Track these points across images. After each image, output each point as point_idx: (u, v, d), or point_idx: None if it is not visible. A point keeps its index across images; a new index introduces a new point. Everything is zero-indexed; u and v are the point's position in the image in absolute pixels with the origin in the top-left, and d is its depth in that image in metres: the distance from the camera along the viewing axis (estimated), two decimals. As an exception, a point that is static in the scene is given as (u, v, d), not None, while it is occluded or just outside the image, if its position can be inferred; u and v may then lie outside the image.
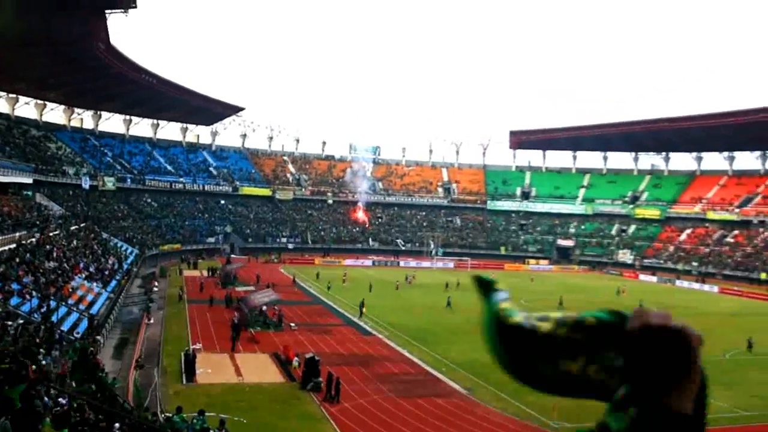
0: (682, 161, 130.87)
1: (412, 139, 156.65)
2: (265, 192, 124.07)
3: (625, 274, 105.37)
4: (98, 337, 35.78)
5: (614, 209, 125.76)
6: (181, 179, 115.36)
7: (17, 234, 47.43)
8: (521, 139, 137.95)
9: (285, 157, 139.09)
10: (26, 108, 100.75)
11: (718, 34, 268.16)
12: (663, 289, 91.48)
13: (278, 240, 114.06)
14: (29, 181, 72.69)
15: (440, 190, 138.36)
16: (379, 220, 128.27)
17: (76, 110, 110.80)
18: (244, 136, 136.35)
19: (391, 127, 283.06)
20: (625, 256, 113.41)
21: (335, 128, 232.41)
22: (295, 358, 36.08)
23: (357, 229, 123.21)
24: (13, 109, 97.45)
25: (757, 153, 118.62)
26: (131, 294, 59.66)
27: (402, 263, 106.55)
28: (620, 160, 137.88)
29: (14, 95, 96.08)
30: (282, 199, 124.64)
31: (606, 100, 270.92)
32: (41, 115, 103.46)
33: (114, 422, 15.01)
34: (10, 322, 26.57)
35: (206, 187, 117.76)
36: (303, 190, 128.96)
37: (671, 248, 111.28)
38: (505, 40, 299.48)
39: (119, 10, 61.92)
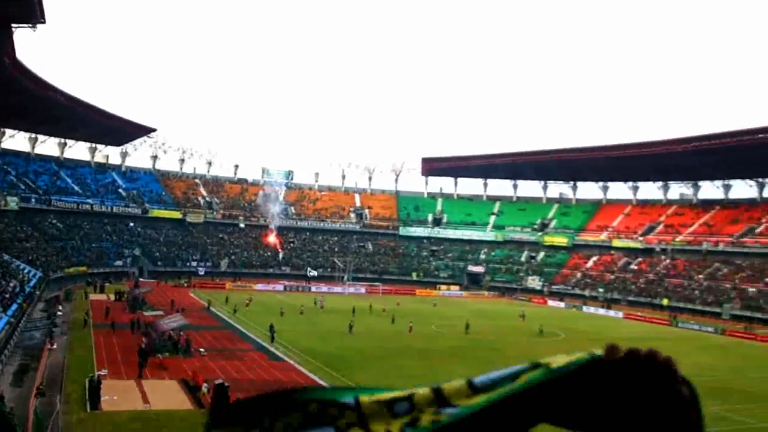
0: (589, 190, 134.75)
1: (325, 164, 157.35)
2: (176, 215, 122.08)
3: (534, 299, 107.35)
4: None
5: (524, 236, 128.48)
6: (89, 200, 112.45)
7: None
8: (433, 166, 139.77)
9: (197, 180, 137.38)
10: None
11: (626, 64, 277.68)
12: (570, 314, 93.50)
13: (189, 264, 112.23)
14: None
15: (353, 215, 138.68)
16: (291, 244, 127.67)
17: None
18: (155, 157, 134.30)
19: (304, 151, 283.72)
20: (534, 282, 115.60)
21: (248, 152, 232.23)
22: (204, 385, 35.46)
23: (269, 253, 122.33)
24: None
25: (660, 183, 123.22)
26: (33, 318, 57.72)
27: (314, 288, 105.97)
28: (530, 188, 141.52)
29: None
30: (193, 222, 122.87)
31: (517, 128, 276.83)
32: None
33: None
34: None
35: (115, 209, 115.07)
36: (214, 213, 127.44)
37: (578, 275, 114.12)
38: (418, 67, 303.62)
39: (26, 25, 60.33)
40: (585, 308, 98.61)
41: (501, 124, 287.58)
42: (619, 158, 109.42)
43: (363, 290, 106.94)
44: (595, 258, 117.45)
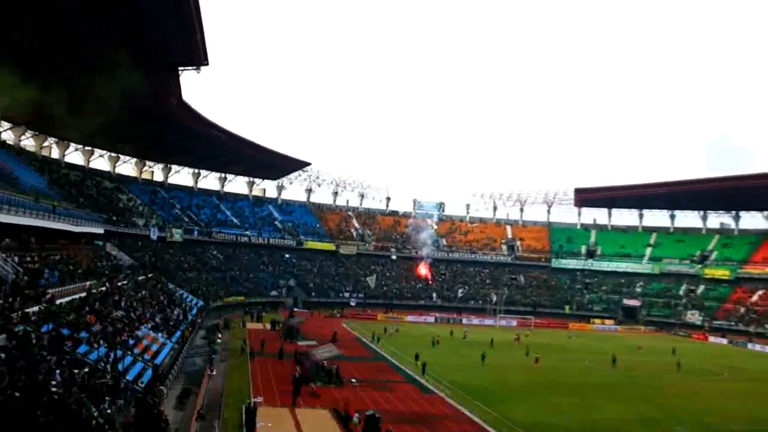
0: (754, 220, 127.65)
1: (476, 195, 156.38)
2: (329, 246, 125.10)
3: (693, 335, 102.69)
4: (161, 387, 36.08)
5: (682, 269, 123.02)
6: (247, 232, 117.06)
7: (88, 283, 48.42)
8: (586, 197, 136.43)
9: (349, 212, 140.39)
10: (100, 160, 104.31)
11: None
12: (733, 351, 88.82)
13: (341, 294, 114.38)
14: (101, 231, 74.31)
15: (504, 247, 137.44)
16: (443, 276, 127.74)
17: (148, 163, 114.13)
18: (310, 190, 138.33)
19: (455, 183, 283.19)
20: (694, 317, 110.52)
21: (399, 184, 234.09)
22: (356, 415, 35.78)
23: (420, 285, 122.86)
24: (88, 162, 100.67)
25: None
26: (195, 345, 60.17)
27: (465, 320, 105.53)
28: (688, 219, 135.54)
29: (89, 148, 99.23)
30: (345, 253, 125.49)
31: (673, 158, 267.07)
32: (114, 167, 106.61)
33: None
34: (77, 370, 26.98)
35: (271, 241, 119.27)
36: (367, 245, 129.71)
37: (742, 309, 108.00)
38: (572, 95, 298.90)
39: (192, 68, 63.67)
40: (750, 345, 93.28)
41: (657, 154, 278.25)
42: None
43: (514, 323, 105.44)
44: (760, 292, 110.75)
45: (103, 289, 51.10)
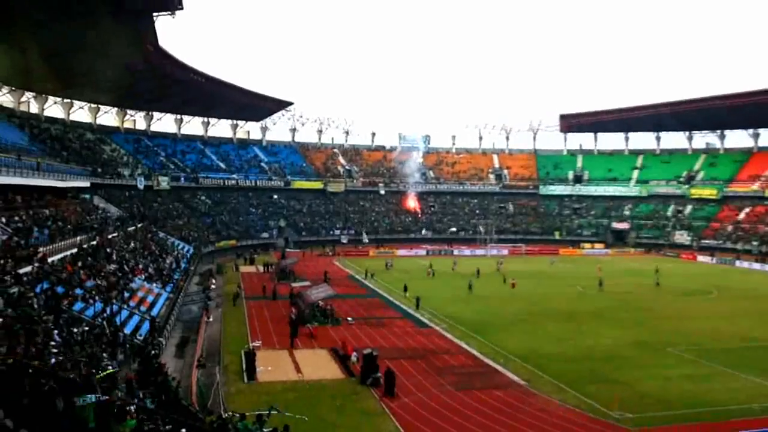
0: (738, 139, 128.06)
1: (461, 126, 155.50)
2: (317, 185, 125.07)
3: (682, 255, 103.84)
4: (160, 339, 36.39)
5: (669, 190, 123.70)
6: (234, 176, 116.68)
7: (78, 238, 48.33)
8: (572, 123, 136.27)
9: (335, 150, 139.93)
10: (80, 112, 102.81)
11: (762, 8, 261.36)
12: (722, 270, 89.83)
13: (332, 232, 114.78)
14: (87, 184, 73.99)
15: (491, 176, 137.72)
16: (432, 209, 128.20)
17: (129, 112, 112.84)
18: (294, 130, 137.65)
19: (440, 115, 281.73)
20: (683, 237, 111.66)
21: (384, 118, 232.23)
22: (354, 354, 36.26)
23: (410, 219, 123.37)
24: (68, 114, 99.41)
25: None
26: (190, 292, 60.44)
27: (456, 251, 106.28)
28: (674, 140, 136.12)
29: (69, 100, 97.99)
30: (334, 191, 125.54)
31: (657, 78, 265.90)
32: (95, 118, 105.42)
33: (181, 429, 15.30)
34: (75, 329, 27.13)
35: (258, 183, 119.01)
36: (354, 181, 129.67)
37: (729, 228, 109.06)
38: (553, 22, 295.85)
39: (166, 13, 62.53)
40: (738, 263, 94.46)
41: (640, 75, 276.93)
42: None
43: (506, 252, 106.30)
44: (747, 210, 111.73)
45: (94, 243, 51.04)
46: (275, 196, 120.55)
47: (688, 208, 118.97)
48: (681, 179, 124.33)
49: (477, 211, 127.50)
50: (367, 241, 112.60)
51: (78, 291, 34.62)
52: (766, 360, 38.16)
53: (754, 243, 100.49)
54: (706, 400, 30.34)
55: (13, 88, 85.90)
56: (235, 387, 31.74)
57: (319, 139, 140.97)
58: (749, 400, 30.49)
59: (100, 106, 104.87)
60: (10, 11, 53.10)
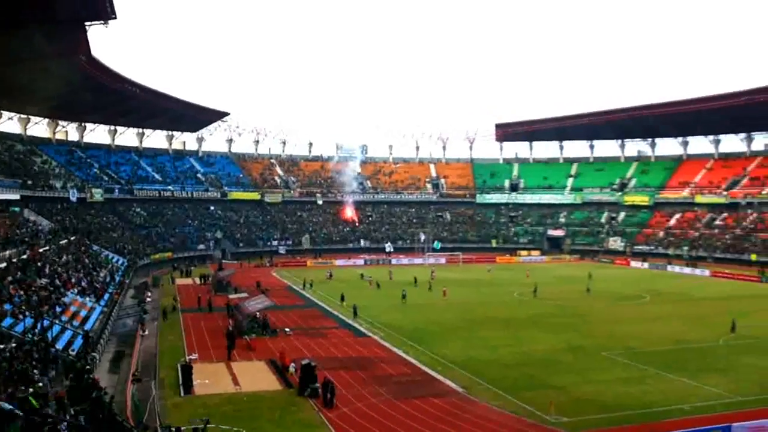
0: (669, 146, 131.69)
1: (398, 136, 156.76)
2: (254, 196, 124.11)
3: (616, 261, 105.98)
4: (94, 354, 35.71)
5: (603, 197, 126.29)
6: (169, 187, 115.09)
7: (7, 252, 47.21)
8: (507, 132, 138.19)
9: (272, 160, 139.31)
10: (10, 123, 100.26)
11: (696, 18, 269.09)
12: (654, 275, 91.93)
13: (269, 243, 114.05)
14: (16, 197, 72.35)
15: (429, 186, 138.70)
16: (369, 218, 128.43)
17: (61, 123, 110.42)
18: (231, 140, 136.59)
19: (377, 124, 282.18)
20: (616, 243, 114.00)
21: (322, 129, 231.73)
22: (292, 365, 36.11)
23: (348, 228, 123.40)
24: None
25: (742, 135, 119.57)
26: (125, 306, 59.50)
27: (394, 261, 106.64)
28: (607, 148, 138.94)
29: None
30: (271, 202, 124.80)
31: (591, 88, 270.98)
32: (25, 129, 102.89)
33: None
34: (2, 345, 26.51)
35: (195, 194, 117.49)
36: (292, 192, 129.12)
37: (661, 234, 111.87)
38: (488, 32, 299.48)
39: (99, 22, 61.58)
40: (669, 268, 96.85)
41: (574, 85, 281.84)
42: (698, 112, 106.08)
43: (443, 260, 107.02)
44: (678, 216, 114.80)
45: (24, 257, 49.91)
46: (212, 208, 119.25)
47: (622, 215, 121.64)
48: (614, 186, 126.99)
49: (414, 220, 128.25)
50: (308, 245, 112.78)
51: (7, 306, 33.81)
52: (697, 361, 39.27)
53: (685, 248, 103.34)
54: (640, 402, 31.04)
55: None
56: (172, 401, 31.30)
57: (256, 149, 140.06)
58: (681, 400, 31.31)
59: (30, 116, 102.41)
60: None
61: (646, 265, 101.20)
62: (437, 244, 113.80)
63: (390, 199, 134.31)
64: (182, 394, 32.47)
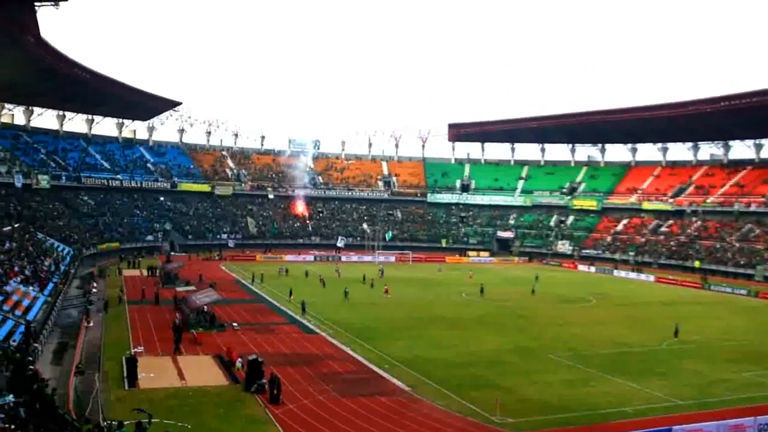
0: (618, 153, 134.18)
1: (351, 132, 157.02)
2: (205, 188, 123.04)
3: (564, 264, 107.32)
4: (36, 345, 35.02)
5: (553, 200, 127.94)
6: (118, 176, 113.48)
7: (-52, 237, 46.15)
8: (460, 132, 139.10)
9: (224, 152, 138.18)
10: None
11: (651, 23, 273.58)
12: (601, 278, 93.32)
13: (219, 236, 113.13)
14: (-42, 181, 70.70)
15: (380, 183, 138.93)
16: (320, 214, 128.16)
17: (7, 106, 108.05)
18: (182, 131, 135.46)
19: (330, 120, 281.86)
20: (564, 246, 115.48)
21: (275, 122, 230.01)
22: (239, 360, 35.80)
23: (298, 224, 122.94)
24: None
25: (689, 144, 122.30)
26: (69, 296, 58.51)
27: (344, 258, 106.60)
28: (558, 152, 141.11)
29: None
30: (222, 194, 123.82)
31: (543, 92, 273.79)
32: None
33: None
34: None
35: (144, 184, 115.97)
36: (243, 185, 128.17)
37: (608, 238, 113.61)
38: (442, 31, 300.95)
39: (49, 3, 60.35)
40: (616, 272, 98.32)
41: (527, 88, 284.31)
42: (647, 120, 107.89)
43: (393, 259, 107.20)
44: (625, 221, 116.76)
45: (-34, 243, 48.78)
46: (161, 198, 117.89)
47: (570, 219, 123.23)
48: (564, 190, 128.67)
49: (365, 217, 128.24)
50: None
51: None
52: (639, 364, 39.98)
53: (631, 253, 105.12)
54: (583, 404, 31.46)
55: None
56: (115, 394, 30.81)
57: (208, 141, 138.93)
58: (624, 402, 31.83)
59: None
60: None
61: (593, 269, 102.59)
62: (389, 235, 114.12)
63: (341, 195, 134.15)
64: (126, 387, 32.00)
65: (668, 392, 34.00)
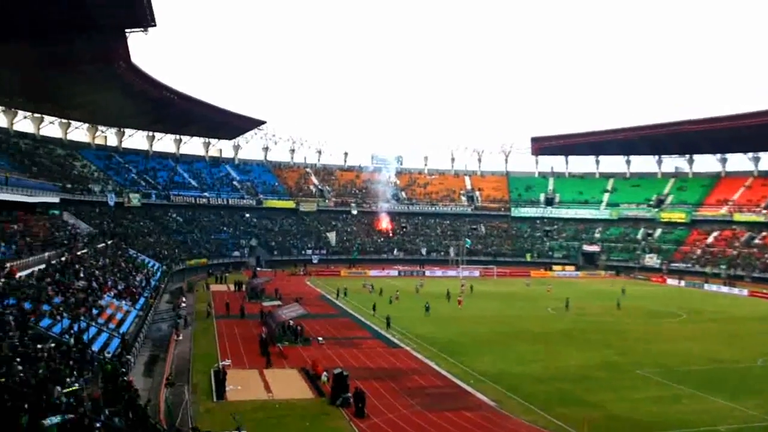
0: (707, 163, 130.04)
1: (434, 147, 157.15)
2: (289, 204, 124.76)
3: (652, 278, 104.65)
4: (128, 357, 35.99)
5: (639, 213, 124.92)
6: (205, 194, 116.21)
7: (46, 254, 47.86)
8: (543, 145, 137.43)
9: (308, 169, 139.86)
10: (51, 127, 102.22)
11: (740, 33, 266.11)
12: (691, 293, 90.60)
13: (303, 252, 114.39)
14: (56, 200, 73.28)
15: (463, 198, 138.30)
16: (404, 229, 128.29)
17: (100, 128, 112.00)
18: (267, 149, 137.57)
19: (412, 136, 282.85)
20: (652, 260, 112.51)
21: (357, 139, 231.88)
22: (324, 373, 36.03)
23: (382, 239, 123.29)
24: (38, 129, 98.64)
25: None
26: (160, 310, 59.99)
27: (428, 273, 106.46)
28: (644, 163, 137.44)
29: (39, 115, 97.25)
30: (306, 210, 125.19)
31: (628, 102, 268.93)
32: (66, 134, 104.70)
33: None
34: (40, 345, 26.76)
35: (230, 201, 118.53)
36: (326, 201, 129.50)
37: (698, 251, 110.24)
38: (526, 45, 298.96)
39: (139, 29, 62.38)
40: (706, 286, 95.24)
41: (611, 99, 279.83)
42: (737, 129, 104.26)
43: (477, 273, 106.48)
44: (715, 234, 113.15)
45: (63, 259, 50.53)
46: (247, 215, 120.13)
47: (658, 232, 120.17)
48: (651, 203, 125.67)
49: (449, 233, 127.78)
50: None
51: (45, 307, 34.20)
52: (733, 381, 38.48)
53: (722, 267, 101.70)
54: (674, 422, 30.44)
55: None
56: (204, 406, 31.39)
57: (292, 158, 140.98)
58: (717, 421, 30.66)
59: (70, 121, 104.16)
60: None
61: (682, 283, 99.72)
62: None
63: (424, 210, 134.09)
64: (215, 399, 32.56)
65: (765, 411, 32.61)
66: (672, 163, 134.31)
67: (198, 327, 53.48)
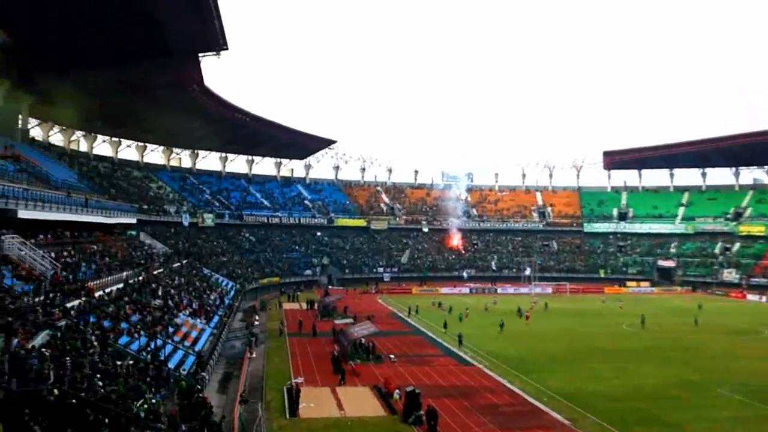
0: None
1: (504, 163, 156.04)
2: (360, 223, 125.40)
3: (731, 294, 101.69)
4: (203, 374, 36.53)
5: (716, 227, 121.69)
6: (277, 213, 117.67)
7: (124, 273, 49.04)
8: (615, 159, 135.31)
9: (378, 188, 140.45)
10: (128, 150, 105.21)
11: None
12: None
13: (375, 270, 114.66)
14: (133, 221, 75.02)
15: (535, 214, 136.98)
16: (475, 246, 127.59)
17: (175, 150, 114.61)
18: (337, 168, 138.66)
19: (483, 152, 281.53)
20: (731, 275, 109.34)
21: (427, 156, 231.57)
22: (396, 391, 35.99)
23: (453, 256, 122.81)
24: (116, 153, 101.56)
25: None
26: (233, 328, 60.80)
27: (499, 290, 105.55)
28: (720, 175, 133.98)
29: (117, 139, 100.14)
30: (377, 228, 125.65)
31: (702, 114, 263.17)
32: (142, 156, 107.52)
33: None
34: (119, 362, 27.37)
35: (302, 220, 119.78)
36: (397, 219, 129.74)
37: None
38: (599, 59, 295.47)
39: (212, 53, 63.84)
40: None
41: (685, 110, 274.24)
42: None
43: (549, 290, 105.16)
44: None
45: (140, 278, 51.72)
46: (318, 234, 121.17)
47: (736, 246, 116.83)
48: (728, 216, 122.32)
49: (521, 249, 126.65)
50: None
51: (124, 325, 35.00)
52: (821, 402, 37.04)
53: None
54: (757, 443, 29.51)
55: (64, 128, 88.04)
56: (277, 423, 31.67)
57: (362, 176, 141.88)
58: (803, 443, 29.59)
59: (146, 144, 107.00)
60: (61, 55, 54.71)
61: (763, 298, 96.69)
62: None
63: (495, 227, 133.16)
64: (288, 416, 32.82)
65: None
66: (750, 174, 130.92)
67: (271, 345, 54.05)
